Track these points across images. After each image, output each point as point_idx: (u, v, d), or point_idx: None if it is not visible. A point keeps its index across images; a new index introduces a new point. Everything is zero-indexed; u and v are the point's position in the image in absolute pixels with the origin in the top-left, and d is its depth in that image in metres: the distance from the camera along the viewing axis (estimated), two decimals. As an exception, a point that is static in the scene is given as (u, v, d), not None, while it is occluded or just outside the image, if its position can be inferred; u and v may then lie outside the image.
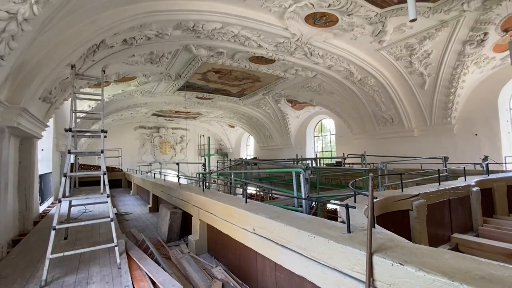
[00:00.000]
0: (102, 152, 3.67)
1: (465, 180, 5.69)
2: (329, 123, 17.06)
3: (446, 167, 7.19)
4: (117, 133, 21.44)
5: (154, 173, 11.13)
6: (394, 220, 3.93)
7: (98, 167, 16.68)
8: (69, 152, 3.65)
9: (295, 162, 8.55)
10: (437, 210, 4.59)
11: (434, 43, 8.44)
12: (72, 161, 3.91)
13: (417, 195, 4.23)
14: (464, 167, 5.83)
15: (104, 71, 4.82)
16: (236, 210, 3.05)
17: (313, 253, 1.97)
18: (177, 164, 10.66)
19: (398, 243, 1.72)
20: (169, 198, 5.79)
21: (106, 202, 3.54)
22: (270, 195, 15.59)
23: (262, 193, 17.16)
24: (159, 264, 3.33)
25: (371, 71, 10.17)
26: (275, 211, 2.74)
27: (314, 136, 17.76)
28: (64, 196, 3.34)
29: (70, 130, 3.79)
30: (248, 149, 24.75)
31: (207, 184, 6.19)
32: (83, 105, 10.85)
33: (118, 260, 3.25)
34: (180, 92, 13.35)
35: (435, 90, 10.02)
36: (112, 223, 3.40)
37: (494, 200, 6.03)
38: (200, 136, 25.47)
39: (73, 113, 4.20)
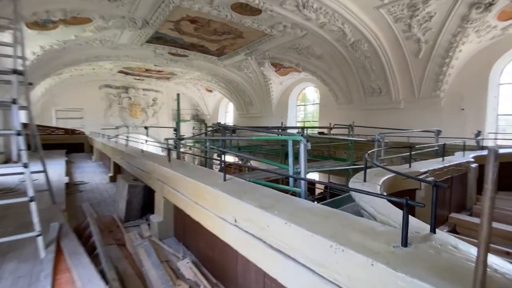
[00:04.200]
0: (14, 102, 2.50)
1: (464, 155, 5.26)
2: (312, 93, 16.23)
3: (437, 141, 6.76)
4: (78, 91, 19.01)
5: (127, 138, 9.78)
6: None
7: (57, 129, 14.71)
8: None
9: (281, 131, 7.73)
10: (440, 188, 4.07)
11: (439, 4, 7.57)
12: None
13: (426, 172, 3.62)
14: (464, 142, 5.39)
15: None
16: (210, 190, 2.17)
17: (339, 276, 1.19)
18: (146, 128, 9.44)
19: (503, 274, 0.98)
20: (130, 168, 4.76)
21: (23, 173, 2.48)
22: (249, 164, 14.94)
23: (240, 162, 16.52)
24: (99, 262, 2.42)
25: (365, 33, 9.21)
26: (268, 195, 1.91)
27: (297, 105, 16.95)
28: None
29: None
30: (226, 116, 23.53)
31: (178, 153, 5.22)
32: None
33: (42, 255, 2.33)
34: (149, 45, 11.52)
35: (429, 60, 9.40)
36: (33, 205, 2.39)
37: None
38: (175, 99, 23.64)
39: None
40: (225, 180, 2.33)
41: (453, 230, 4.15)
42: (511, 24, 8.14)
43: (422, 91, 10.23)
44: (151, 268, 2.63)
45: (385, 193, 2.72)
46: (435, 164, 4.06)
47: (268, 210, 1.58)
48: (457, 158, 4.98)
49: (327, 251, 1.21)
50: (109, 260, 2.49)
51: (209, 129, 6.83)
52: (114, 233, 3.40)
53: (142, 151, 4.54)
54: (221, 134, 4.90)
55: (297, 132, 2.68)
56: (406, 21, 8.45)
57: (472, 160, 5.07)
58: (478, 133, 6.41)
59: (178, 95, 4.52)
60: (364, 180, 2.65)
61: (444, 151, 4.47)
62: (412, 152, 6.51)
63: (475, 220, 4.26)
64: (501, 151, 6.03)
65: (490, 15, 7.72)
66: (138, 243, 3.16)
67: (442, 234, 1.42)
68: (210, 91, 21.79)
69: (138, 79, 20.24)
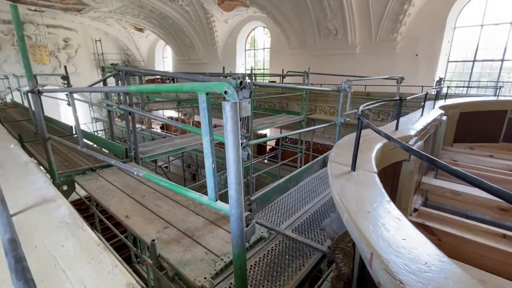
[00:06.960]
0: None
1: (434, 107, 4.53)
2: (262, 36, 14.22)
3: (399, 89, 6.01)
4: None
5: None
6: (385, 178, 2.28)
7: None
8: None
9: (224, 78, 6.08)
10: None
11: None
12: None
13: (415, 135, 2.62)
14: (436, 92, 4.62)
15: None
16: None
17: None
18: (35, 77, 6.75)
19: None
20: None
21: None
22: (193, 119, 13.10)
23: (183, 117, 14.52)
24: None
25: (326, -46, 7.42)
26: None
27: (246, 50, 14.88)
28: None
29: None
30: (165, 63, 20.16)
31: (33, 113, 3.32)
32: None
33: None
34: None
35: (391, -5, 8.26)
36: None
37: (446, 129, 5.23)
38: (96, 41, 19.01)
39: None
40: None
41: (426, 200, 3.50)
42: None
43: (379, 34, 9.31)
44: None
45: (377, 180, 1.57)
46: (418, 122, 3.12)
47: None
48: (430, 110, 4.21)
49: None
50: None
51: (107, 73, 4.73)
52: None
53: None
54: (120, 83, 3.12)
55: (233, 78, 1.15)
56: None
57: (443, 112, 4.37)
58: (440, 81, 5.77)
59: (14, 7, 2.45)
60: (353, 168, 1.43)
61: (425, 102, 3.57)
62: (377, 104, 5.65)
63: (443, 183, 3.65)
64: (464, 100, 5.55)
65: None
66: None
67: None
68: (141, 30, 17.84)
69: (36, 11, 15.14)
